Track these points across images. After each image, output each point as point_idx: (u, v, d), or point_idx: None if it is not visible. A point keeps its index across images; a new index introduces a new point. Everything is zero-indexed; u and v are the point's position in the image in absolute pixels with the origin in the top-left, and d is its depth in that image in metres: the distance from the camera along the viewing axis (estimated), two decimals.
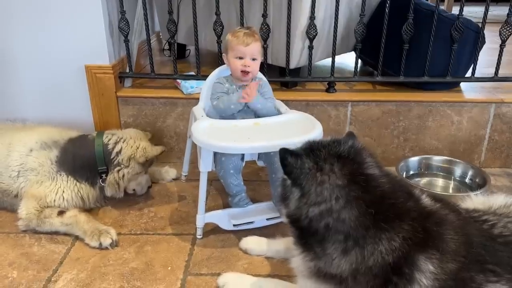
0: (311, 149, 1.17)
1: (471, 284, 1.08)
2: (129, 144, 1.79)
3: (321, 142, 1.20)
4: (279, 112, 1.71)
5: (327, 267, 1.14)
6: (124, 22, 2.06)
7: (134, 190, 1.88)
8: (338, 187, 1.11)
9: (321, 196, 1.12)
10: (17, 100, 2.16)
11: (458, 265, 1.09)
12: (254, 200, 1.75)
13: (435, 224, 1.13)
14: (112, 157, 1.77)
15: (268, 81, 1.79)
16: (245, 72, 1.62)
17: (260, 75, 1.77)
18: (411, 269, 1.07)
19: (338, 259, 1.11)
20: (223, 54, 1.71)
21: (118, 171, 1.77)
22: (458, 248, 1.11)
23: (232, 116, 1.65)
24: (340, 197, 1.10)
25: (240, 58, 1.62)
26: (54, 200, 1.72)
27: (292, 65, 2.16)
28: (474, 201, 1.40)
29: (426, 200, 1.20)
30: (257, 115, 1.67)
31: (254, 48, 1.61)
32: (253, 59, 1.62)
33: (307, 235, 1.16)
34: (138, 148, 1.78)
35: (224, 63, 1.74)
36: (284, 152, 1.15)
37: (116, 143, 1.78)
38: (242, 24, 2.06)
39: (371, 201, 1.11)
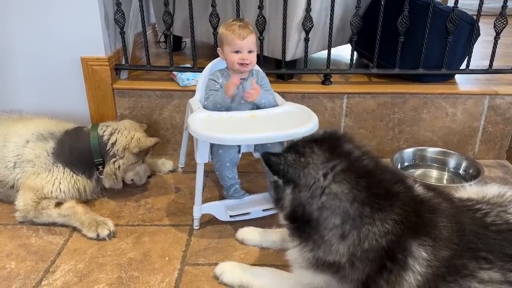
0: (290, 146, 1.25)
1: (463, 271, 1.10)
2: (124, 134, 1.79)
3: (297, 140, 1.28)
4: (276, 104, 1.72)
5: (326, 255, 1.16)
6: (120, 14, 2.06)
7: (132, 180, 1.89)
8: (322, 163, 1.16)
9: (309, 177, 1.15)
10: (13, 92, 2.15)
11: (450, 252, 1.11)
12: (250, 192, 1.77)
13: (428, 211, 1.15)
14: (107, 148, 1.77)
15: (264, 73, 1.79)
16: (243, 64, 1.62)
17: (258, 67, 1.77)
18: (404, 254, 1.10)
19: (337, 244, 1.14)
20: (218, 48, 1.71)
21: (114, 162, 1.78)
22: (451, 235, 1.13)
23: (228, 108, 1.66)
24: (327, 173, 1.15)
25: (237, 52, 1.61)
26: (51, 192, 1.72)
27: (288, 57, 2.17)
28: (468, 191, 1.42)
29: (419, 188, 1.22)
30: (256, 107, 1.67)
31: (250, 40, 1.61)
32: (250, 52, 1.62)
33: (304, 224, 1.18)
34: (132, 138, 1.79)
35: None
36: (266, 155, 1.22)
37: (111, 134, 1.79)
38: (238, 16, 2.06)
39: (359, 174, 1.14)
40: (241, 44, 1.60)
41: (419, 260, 1.10)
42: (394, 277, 1.11)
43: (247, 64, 1.62)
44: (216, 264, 1.47)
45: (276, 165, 1.19)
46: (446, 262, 1.11)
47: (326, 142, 1.20)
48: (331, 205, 1.14)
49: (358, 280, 1.14)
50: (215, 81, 1.67)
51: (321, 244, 1.16)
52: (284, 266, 1.41)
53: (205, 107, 1.68)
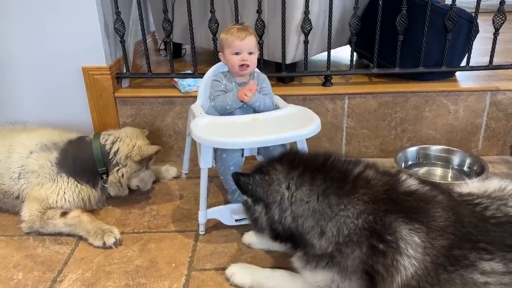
0: (256, 167, 1.32)
1: (464, 261, 1.12)
2: (125, 142, 1.80)
3: (261, 160, 1.39)
4: (277, 107, 1.73)
5: (317, 253, 1.21)
6: (120, 23, 2.07)
7: (138, 186, 1.90)
8: (284, 177, 1.24)
9: (276, 194, 1.23)
10: (16, 103, 2.16)
11: (448, 242, 1.13)
12: None
13: (420, 201, 1.19)
14: (110, 157, 1.78)
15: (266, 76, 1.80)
16: (243, 66, 1.63)
17: (258, 71, 1.78)
18: (394, 236, 1.13)
19: (320, 241, 1.20)
20: (219, 53, 1.72)
21: (117, 170, 1.79)
22: (447, 226, 1.15)
23: (231, 113, 1.67)
24: (289, 184, 1.23)
25: (237, 53, 1.62)
26: (56, 201, 1.73)
27: (288, 60, 2.17)
28: (471, 186, 1.43)
29: (411, 181, 1.25)
30: (256, 111, 1.68)
31: (250, 41, 1.62)
32: (250, 53, 1.63)
33: (288, 238, 1.26)
34: (134, 146, 1.79)
35: (220, 61, 1.74)
36: (236, 175, 1.29)
37: (113, 143, 1.80)
38: (237, 21, 2.07)
39: (313, 171, 1.23)
40: (240, 45, 1.61)
41: (412, 245, 1.12)
42: (389, 261, 1.13)
43: (247, 65, 1.63)
44: (223, 268, 1.48)
45: (245, 185, 1.27)
46: (445, 252, 1.12)
47: (286, 158, 1.28)
48: (301, 211, 1.21)
49: (357, 269, 1.17)
50: (219, 81, 1.68)
51: (310, 248, 1.22)
52: (292, 268, 1.40)
53: (207, 111, 1.69)
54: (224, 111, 1.65)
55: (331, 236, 1.18)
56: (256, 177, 1.26)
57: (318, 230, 1.19)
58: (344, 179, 1.21)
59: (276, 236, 1.28)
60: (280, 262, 1.52)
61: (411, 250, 1.12)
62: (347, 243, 1.17)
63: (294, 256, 1.31)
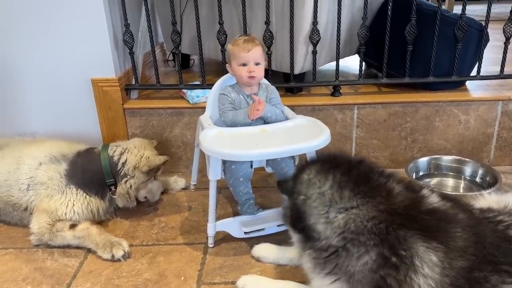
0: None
1: (485, 284, 1.08)
2: (133, 153, 1.80)
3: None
4: (286, 118, 1.72)
5: (322, 244, 1.22)
6: (129, 35, 2.08)
7: (146, 198, 1.89)
8: (309, 169, 1.30)
9: (299, 182, 1.31)
10: (26, 115, 2.18)
11: (468, 263, 1.09)
12: (263, 207, 1.75)
13: (441, 220, 1.16)
14: (118, 168, 1.78)
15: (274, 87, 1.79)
16: (251, 77, 1.63)
17: (267, 82, 1.77)
18: (409, 252, 1.10)
19: (324, 228, 1.21)
20: (226, 64, 1.72)
21: (126, 181, 1.78)
22: (467, 246, 1.12)
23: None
24: (309, 173, 1.29)
25: (244, 64, 1.62)
26: (65, 213, 1.72)
27: (297, 71, 2.17)
28: (488, 199, 1.40)
29: (433, 198, 1.22)
30: (266, 122, 1.67)
31: (256, 52, 1.62)
32: (257, 64, 1.63)
33: (302, 227, 1.28)
34: (142, 157, 1.79)
35: (228, 72, 1.74)
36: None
37: (121, 154, 1.79)
38: (245, 32, 2.07)
39: (337, 165, 1.27)
40: (247, 56, 1.61)
41: (429, 264, 1.09)
42: (402, 277, 1.10)
43: (253, 76, 1.63)
44: (233, 283, 1.46)
45: (281, 184, 1.38)
46: (465, 274, 1.09)
47: (322, 160, 1.34)
48: (310, 193, 1.25)
49: (367, 279, 1.14)
50: (226, 95, 1.67)
51: (316, 234, 1.23)
52: (302, 283, 1.38)
53: (216, 122, 1.68)
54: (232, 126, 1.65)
55: (336, 227, 1.18)
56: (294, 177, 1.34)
57: (324, 216, 1.21)
58: (364, 182, 1.21)
59: (293, 223, 1.32)
60: (290, 277, 1.50)
61: (427, 269, 1.09)
62: (353, 242, 1.16)
63: (304, 256, 1.30)
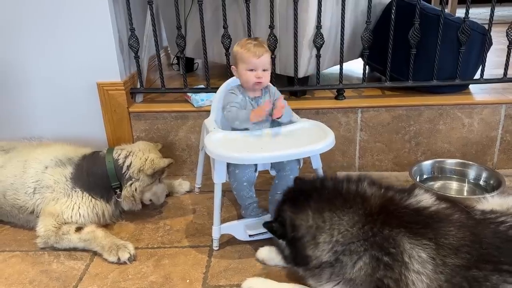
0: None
1: (485, 283, 1.09)
2: (138, 156, 1.81)
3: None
4: (290, 121, 1.72)
5: (316, 264, 1.26)
6: (134, 39, 2.10)
7: (151, 200, 1.90)
8: (292, 213, 1.33)
9: (290, 228, 1.35)
10: (32, 119, 2.19)
11: (463, 262, 1.11)
12: (268, 210, 1.75)
13: (430, 218, 1.19)
14: (123, 171, 1.79)
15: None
16: (258, 83, 1.63)
17: (273, 87, 1.77)
18: (398, 250, 1.13)
19: (314, 252, 1.25)
20: (232, 66, 1.72)
21: (131, 184, 1.80)
22: (461, 245, 1.13)
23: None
24: (292, 219, 1.32)
25: (252, 70, 1.62)
26: (71, 216, 1.74)
27: (301, 74, 2.18)
28: (491, 202, 1.40)
29: (423, 197, 1.26)
30: (275, 124, 1.67)
31: (265, 59, 1.62)
32: (264, 70, 1.63)
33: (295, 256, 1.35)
34: (146, 160, 1.80)
35: (233, 76, 1.75)
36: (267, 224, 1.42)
37: (126, 157, 1.81)
38: (249, 36, 2.08)
39: (308, 195, 1.31)
40: (257, 62, 1.60)
41: (418, 260, 1.12)
42: (398, 275, 1.13)
43: (260, 82, 1.63)
44: (238, 285, 1.47)
45: (269, 228, 1.41)
46: (461, 272, 1.10)
47: (290, 198, 1.38)
48: (301, 233, 1.28)
49: (366, 283, 1.16)
50: (235, 94, 1.66)
51: (309, 260, 1.27)
52: (307, 285, 1.38)
53: (222, 123, 1.69)
54: (232, 124, 1.65)
55: (325, 245, 1.23)
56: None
57: (313, 243, 1.26)
58: (336, 196, 1.27)
59: (295, 262, 1.37)
60: (295, 279, 1.50)
61: (417, 265, 1.12)
62: (344, 252, 1.20)
63: (299, 271, 1.37)
